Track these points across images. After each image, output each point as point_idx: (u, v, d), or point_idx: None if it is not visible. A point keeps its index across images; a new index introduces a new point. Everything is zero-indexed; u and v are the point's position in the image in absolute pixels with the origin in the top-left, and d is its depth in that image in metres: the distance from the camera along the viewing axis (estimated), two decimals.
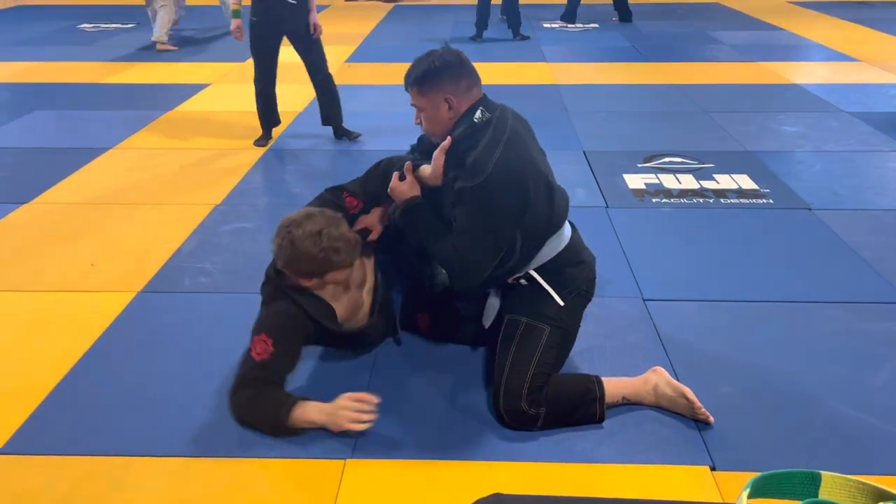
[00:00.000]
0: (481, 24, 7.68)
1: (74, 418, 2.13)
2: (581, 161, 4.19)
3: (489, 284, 2.26)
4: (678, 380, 2.25)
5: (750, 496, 0.86)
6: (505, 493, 0.92)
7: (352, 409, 1.98)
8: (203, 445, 2.02)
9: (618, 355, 2.39)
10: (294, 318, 2.12)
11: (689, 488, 1.86)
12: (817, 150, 4.32)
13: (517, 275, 2.20)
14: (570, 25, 8.51)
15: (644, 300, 2.72)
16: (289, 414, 1.99)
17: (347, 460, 1.95)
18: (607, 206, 3.56)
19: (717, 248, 3.14)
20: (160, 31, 7.14)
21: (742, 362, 2.36)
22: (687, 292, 2.78)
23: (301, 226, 2.08)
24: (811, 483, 0.90)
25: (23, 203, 3.64)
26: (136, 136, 4.67)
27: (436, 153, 2.14)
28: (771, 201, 3.60)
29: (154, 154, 4.38)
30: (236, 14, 4.17)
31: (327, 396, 2.17)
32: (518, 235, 2.09)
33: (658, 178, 3.92)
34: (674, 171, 4.00)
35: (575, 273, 2.22)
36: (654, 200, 3.63)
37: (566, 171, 4.02)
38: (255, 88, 4.39)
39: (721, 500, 1.82)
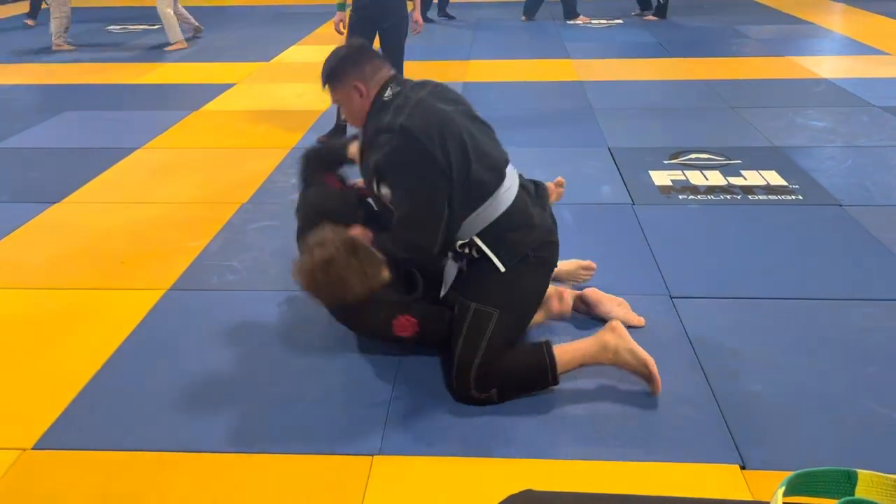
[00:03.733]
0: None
1: (106, 414, 2.16)
2: (607, 158, 4.16)
3: (439, 256, 2.28)
4: (706, 379, 2.24)
5: (785, 494, 0.85)
6: (536, 489, 0.92)
7: None
8: (233, 441, 2.04)
9: None
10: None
11: (719, 487, 1.85)
12: (847, 146, 4.26)
13: (462, 241, 2.20)
14: (569, 21, 8.45)
15: (671, 297, 2.69)
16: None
17: (375, 456, 1.96)
18: (633, 203, 3.54)
19: (746, 245, 3.10)
20: (56, 34, 7.40)
21: (772, 360, 2.33)
22: (715, 290, 2.75)
23: (311, 254, 2.07)
24: (847, 481, 0.89)
25: (54, 203, 3.69)
26: (163, 136, 4.73)
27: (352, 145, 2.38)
28: (800, 197, 3.55)
29: (181, 153, 4.43)
30: (342, 7, 4.17)
31: (346, 401, 2.17)
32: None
33: (685, 174, 3.88)
34: (700, 168, 3.96)
35: (518, 238, 2.19)
36: (680, 197, 3.60)
37: (592, 168, 4.01)
38: None
39: (752, 500, 1.80)
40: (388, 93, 2.20)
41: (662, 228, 3.26)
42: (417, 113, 2.10)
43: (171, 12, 7.27)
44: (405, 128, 2.06)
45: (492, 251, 2.17)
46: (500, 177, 2.19)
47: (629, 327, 2.46)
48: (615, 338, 2.18)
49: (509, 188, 2.21)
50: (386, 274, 2.11)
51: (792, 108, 5.00)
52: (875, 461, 1.92)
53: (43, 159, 4.38)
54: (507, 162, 2.27)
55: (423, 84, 2.27)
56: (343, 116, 2.38)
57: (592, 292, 2.55)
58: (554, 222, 2.34)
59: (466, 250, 2.21)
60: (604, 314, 2.52)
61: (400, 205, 2.14)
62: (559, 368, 2.14)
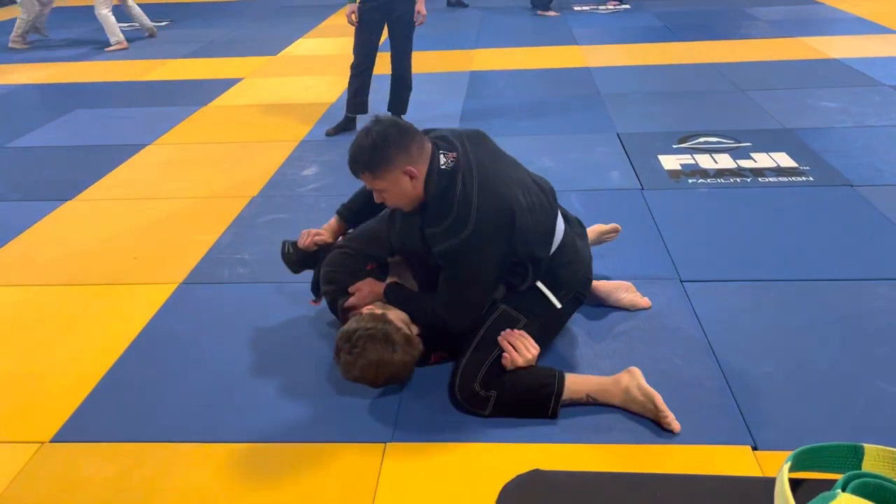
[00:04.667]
0: None
1: (122, 406, 2.19)
2: (615, 143, 4.15)
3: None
4: (717, 361, 2.24)
5: (791, 469, 0.86)
6: (544, 469, 0.93)
7: None
8: (247, 431, 2.06)
9: (656, 337, 2.38)
10: None
11: (730, 468, 1.85)
12: (858, 126, 4.22)
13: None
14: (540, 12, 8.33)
15: (682, 281, 2.69)
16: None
17: (388, 444, 1.98)
18: (643, 189, 3.53)
19: (756, 227, 3.09)
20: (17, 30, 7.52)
21: (783, 342, 2.33)
22: (725, 273, 2.75)
23: (363, 355, 2.03)
24: (854, 456, 0.89)
25: (66, 200, 3.73)
26: (172, 132, 4.75)
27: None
28: (811, 179, 3.53)
29: (190, 149, 4.45)
30: None
31: (359, 391, 2.18)
32: (528, 263, 2.11)
33: (694, 158, 3.86)
34: (710, 151, 3.94)
35: (569, 275, 2.21)
36: (690, 181, 3.59)
37: (601, 154, 4.00)
38: (352, 73, 4.44)
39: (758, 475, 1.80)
40: (443, 160, 2.04)
41: (672, 213, 3.26)
42: (486, 201, 1.99)
43: (108, 13, 7.25)
44: (479, 221, 1.97)
45: (549, 290, 2.18)
46: (554, 215, 2.20)
47: (637, 309, 2.50)
48: (629, 377, 2.06)
49: (559, 222, 2.22)
50: (420, 345, 2.14)
51: (802, 89, 4.96)
52: (886, 440, 1.91)
53: (54, 157, 4.42)
54: (553, 191, 2.27)
55: (459, 137, 2.15)
56: (381, 200, 2.12)
57: (601, 284, 2.55)
58: (590, 254, 2.35)
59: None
60: (615, 302, 2.54)
61: (448, 285, 2.09)
62: (565, 394, 2.05)
